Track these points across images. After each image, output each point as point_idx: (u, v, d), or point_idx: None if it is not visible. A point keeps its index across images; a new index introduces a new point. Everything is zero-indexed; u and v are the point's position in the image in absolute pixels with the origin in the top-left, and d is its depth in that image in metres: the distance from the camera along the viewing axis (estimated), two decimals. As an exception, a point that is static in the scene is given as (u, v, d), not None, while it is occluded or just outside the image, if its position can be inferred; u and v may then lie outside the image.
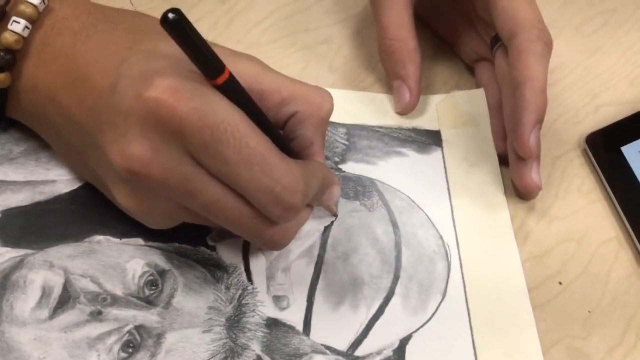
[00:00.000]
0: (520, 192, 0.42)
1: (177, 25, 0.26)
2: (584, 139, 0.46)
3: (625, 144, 0.44)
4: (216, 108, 0.28)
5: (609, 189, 0.43)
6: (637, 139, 0.44)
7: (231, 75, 0.29)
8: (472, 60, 0.48)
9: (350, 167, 0.42)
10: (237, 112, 0.29)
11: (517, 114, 0.40)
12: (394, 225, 0.40)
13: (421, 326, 0.37)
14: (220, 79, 0.29)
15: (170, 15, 0.26)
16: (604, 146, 0.45)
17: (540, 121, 0.40)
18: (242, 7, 0.49)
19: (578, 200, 0.43)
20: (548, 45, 0.41)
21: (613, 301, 0.39)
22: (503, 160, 0.43)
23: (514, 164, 0.42)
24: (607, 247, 0.42)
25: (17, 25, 0.33)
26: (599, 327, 0.38)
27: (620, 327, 0.38)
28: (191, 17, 0.48)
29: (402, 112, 0.45)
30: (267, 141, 0.29)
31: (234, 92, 0.30)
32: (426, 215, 0.41)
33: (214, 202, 0.30)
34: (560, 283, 0.40)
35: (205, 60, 0.28)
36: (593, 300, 0.39)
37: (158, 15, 0.27)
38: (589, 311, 0.39)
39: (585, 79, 0.50)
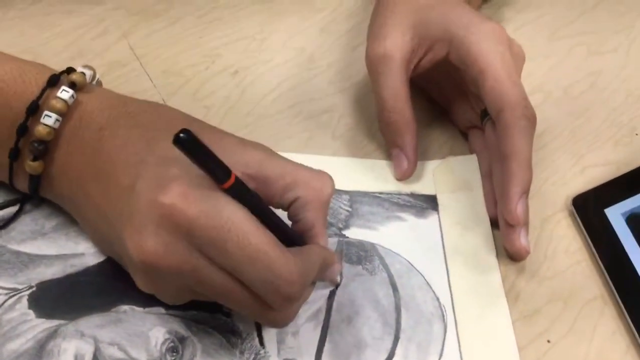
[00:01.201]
0: (510, 255, 0.45)
1: (188, 144, 0.30)
2: (570, 200, 0.49)
3: (608, 206, 0.47)
4: (221, 210, 0.32)
5: (594, 250, 0.46)
6: (619, 201, 0.47)
7: (237, 179, 0.33)
8: (465, 127, 0.52)
9: (353, 233, 0.46)
10: (241, 212, 0.32)
11: (505, 186, 0.43)
12: (394, 288, 0.43)
13: (419, 386, 0.40)
14: (227, 184, 0.32)
15: (182, 135, 0.30)
16: (589, 208, 0.48)
17: (526, 192, 0.43)
18: (251, 79, 0.53)
19: (565, 260, 0.46)
20: (532, 121, 0.44)
21: (598, 357, 0.42)
22: (495, 223, 0.47)
23: (503, 229, 0.45)
24: (592, 305, 0.44)
25: (49, 118, 0.37)
26: (585, 383, 0.41)
27: (605, 382, 0.41)
28: (205, 90, 0.52)
29: (401, 178, 0.48)
30: (268, 237, 0.33)
31: (240, 192, 0.33)
32: (424, 277, 0.44)
33: (221, 289, 0.33)
34: (548, 341, 0.42)
35: (213, 169, 0.32)
36: (579, 357, 0.42)
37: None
38: (575, 368, 0.42)
39: (572, 140, 0.54)
